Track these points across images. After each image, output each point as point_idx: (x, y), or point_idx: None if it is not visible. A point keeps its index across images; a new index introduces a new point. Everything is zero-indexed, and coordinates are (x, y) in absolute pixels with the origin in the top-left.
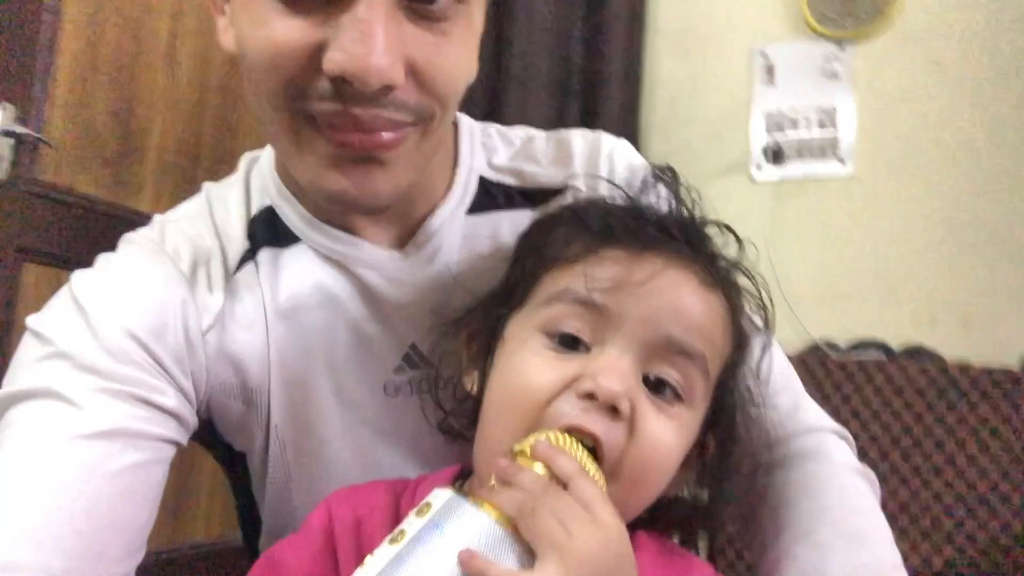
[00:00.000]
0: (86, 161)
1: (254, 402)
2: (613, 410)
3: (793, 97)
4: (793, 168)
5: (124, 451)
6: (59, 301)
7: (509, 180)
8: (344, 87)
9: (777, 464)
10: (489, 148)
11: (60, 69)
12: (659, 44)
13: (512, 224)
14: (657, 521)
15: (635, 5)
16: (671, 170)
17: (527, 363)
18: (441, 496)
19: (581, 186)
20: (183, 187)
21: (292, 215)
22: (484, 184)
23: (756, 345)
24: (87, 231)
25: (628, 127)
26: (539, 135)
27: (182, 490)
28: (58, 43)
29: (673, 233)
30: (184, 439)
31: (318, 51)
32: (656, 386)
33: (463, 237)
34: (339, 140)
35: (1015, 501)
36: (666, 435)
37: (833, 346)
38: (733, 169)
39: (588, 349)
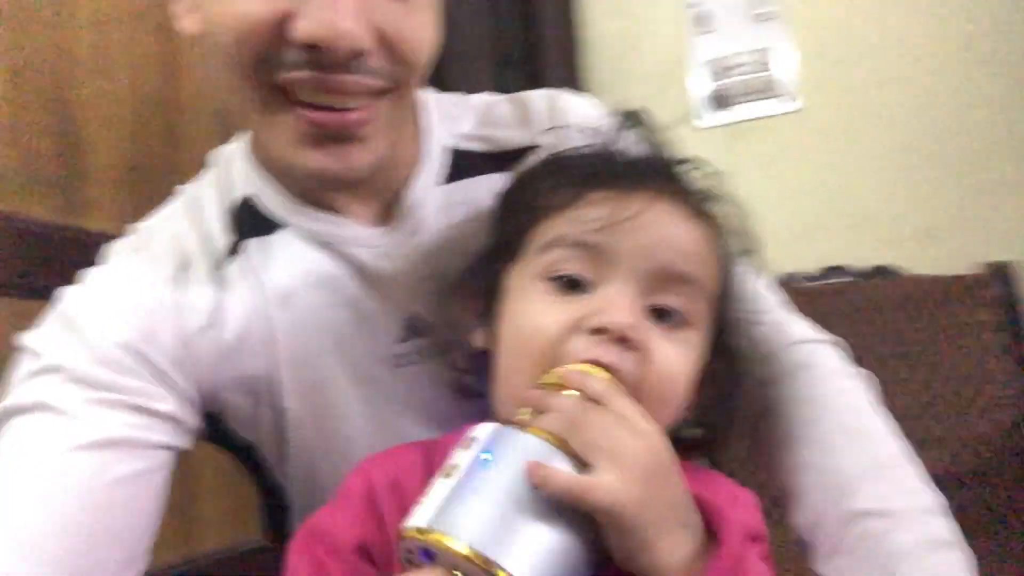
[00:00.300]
0: (31, 187)
1: (262, 391)
2: (624, 341)
3: (730, 42)
4: (740, 111)
5: (121, 460)
6: (49, 318)
7: (477, 146)
8: (315, 55)
9: (774, 378)
10: (453, 117)
11: None
12: (594, 5)
13: (487, 187)
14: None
15: None
16: (638, 114)
17: (534, 309)
18: (485, 429)
19: (549, 141)
20: (132, 201)
21: (272, 200)
22: (454, 153)
23: (741, 268)
24: (43, 257)
25: (568, 87)
26: (500, 99)
27: (188, 499)
28: None
29: (653, 171)
30: (186, 443)
31: (286, 21)
32: (660, 314)
33: (441, 208)
34: (313, 119)
35: (1004, 399)
36: (677, 358)
37: (802, 276)
38: (680, 119)
39: (590, 289)
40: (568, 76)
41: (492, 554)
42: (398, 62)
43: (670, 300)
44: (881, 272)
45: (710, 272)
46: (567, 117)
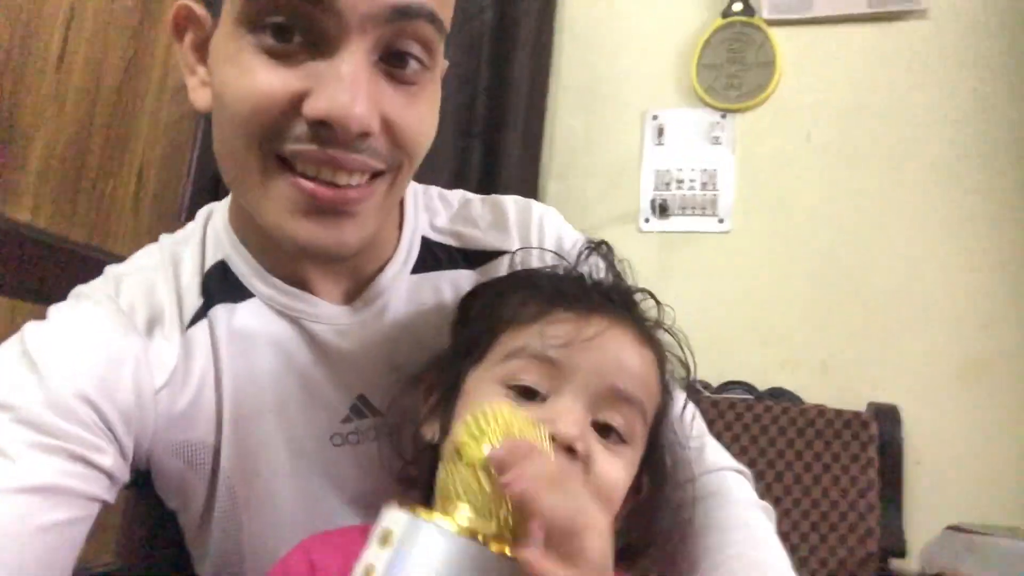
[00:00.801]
0: None
1: (197, 460)
2: (570, 450)
3: (680, 158)
4: (677, 222)
5: (54, 507)
6: (8, 352)
7: (450, 241)
8: (323, 132)
9: (687, 502)
10: (431, 210)
11: None
12: (562, 99)
13: (452, 283)
14: None
15: (540, 63)
16: (605, 244)
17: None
18: (400, 521)
19: (516, 251)
20: (66, 200)
21: (245, 269)
22: (426, 244)
23: (679, 394)
24: None
25: (528, 173)
26: (475, 198)
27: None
28: None
29: (612, 298)
30: (112, 498)
31: (299, 99)
32: (603, 430)
33: (407, 294)
34: (312, 191)
35: (860, 530)
36: (615, 471)
37: (706, 386)
38: (624, 219)
39: (544, 399)
40: (526, 159)
41: None
42: (398, 147)
43: (614, 418)
44: (776, 395)
45: (651, 395)
46: (536, 230)
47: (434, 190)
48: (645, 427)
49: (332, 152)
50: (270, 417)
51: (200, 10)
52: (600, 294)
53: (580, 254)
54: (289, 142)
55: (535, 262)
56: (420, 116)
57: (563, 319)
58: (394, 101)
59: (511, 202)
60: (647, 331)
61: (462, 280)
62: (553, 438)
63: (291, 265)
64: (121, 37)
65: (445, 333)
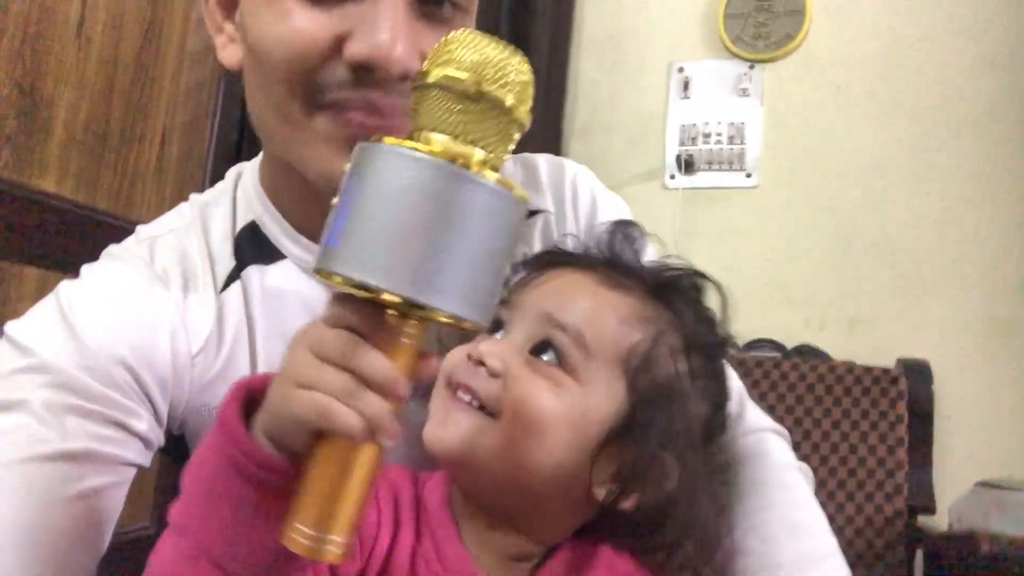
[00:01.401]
0: None
1: None
2: (483, 364)
3: (706, 111)
4: (703, 178)
5: (90, 473)
6: (44, 312)
7: None
8: (363, 75)
9: (725, 465)
10: None
11: None
12: (584, 53)
13: None
14: (616, 531)
15: (562, 13)
16: (634, 226)
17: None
18: (360, 151)
19: (552, 210)
20: (90, 166)
21: (276, 230)
22: None
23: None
24: None
25: (551, 130)
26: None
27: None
28: None
29: (596, 259)
30: (148, 462)
31: (338, 41)
32: (539, 350)
33: None
34: (358, 122)
35: (888, 487)
36: (539, 389)
37: (732, 344)
38: (648, 176)
39: (495, 330)
40: (549, 116)
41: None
42: None
43: (544, 339)
44: (803, 352)
45: (604, 333)
46: (570, 189)
47: None
48: (593, 360)
49: (372, 95)
50: None
51: None
52: (583, 254)
53: (609, 236)
54: (329, 90)
55: (570, 225)
56: None
57: (533, 273)
58: (431, 41)
59: (542, 160)
60: (625, 281)
61: None
62: (479, 361)
63: (320, 225)
64: (139, 3)
65: None
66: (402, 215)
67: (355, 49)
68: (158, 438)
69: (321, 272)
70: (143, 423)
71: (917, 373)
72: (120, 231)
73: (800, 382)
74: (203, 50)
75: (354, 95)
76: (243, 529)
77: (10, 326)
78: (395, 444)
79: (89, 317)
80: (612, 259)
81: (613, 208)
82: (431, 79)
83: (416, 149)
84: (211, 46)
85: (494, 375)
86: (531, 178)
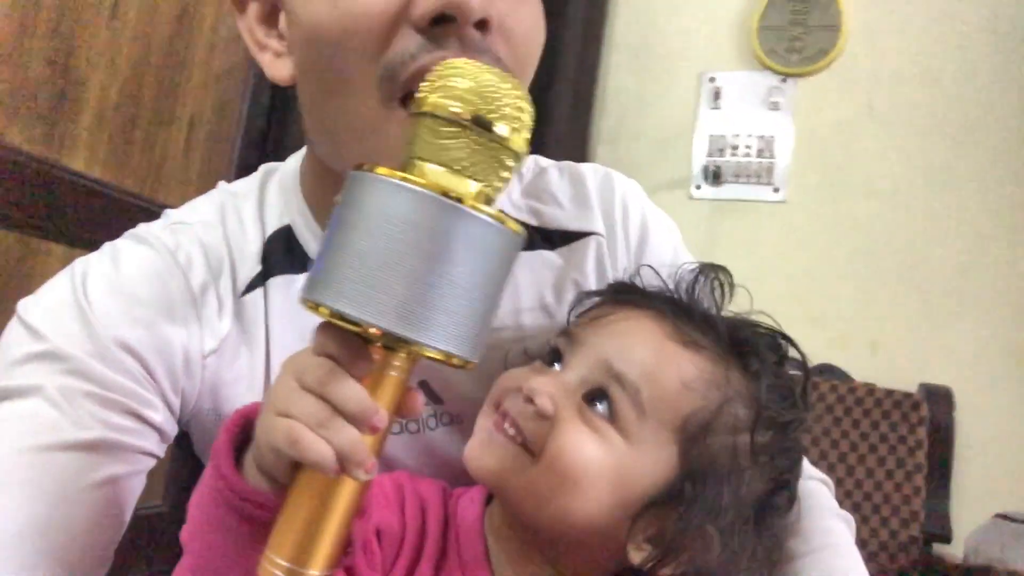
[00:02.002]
0: (18, 112)
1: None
2: (534, 402)
3: (736, 123)
4: (729, 190)
5: (107, 462)
6: (58, 294)
7: (528, 219)
8: (438, 31)
9: (778, 542)
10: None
11: None
12: (615, 59)
13: (529, 267)
14: None
15: (593, 18)
16: (722, 271)
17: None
18: (351, 180)
19: (603, 232)
20: (119, 149)
21: (310, 239)
22: None
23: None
24: (18, 187)
25: (578, 134)
26: (550, 167)
27: None
28: None
29: (667, 300)
30: (163, 453)
31: (403, 8)
32: (592, 398)
33: None
34: None
35: (904, 513)
36: (584, 440)
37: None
38: (674, 185)
39: (554, 364)
40: (576, 120)
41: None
42: (513, 49)
43: (602, 390)
44: (824, 371)
45: (664, 392)
46: (620, 208)
47: None
48: (647, 421)
49: (446, 52)
50: None
51: None
52: (654, 297)
53: (691, 279)
54: (405, 65)
55: (620, 248)
56: (532, 15)
57: (602, 305)
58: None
59: (590, 173)
60: (698, 337)
61: (542, 264)
62: (530, 400)
63: None
64: None
65: (513, 322)
66: (391, 247)
67: (426, 3)
68: (172, 429)
69: (307, 302)
70: (158, 414)
71: (939, 399)
72: (147, 212)
73: (819, 402)
74: (234, 36)
75: (429, 60)
76: (239, 557)
77: (23, 305)
78: (373, 476)
79: (104, 304)
80: (689, 306)
81: (663, 231)
82: (425, 107)
83: (407, 180)
84: (274, 81)
85: (542, 416)
86: (579, 192)
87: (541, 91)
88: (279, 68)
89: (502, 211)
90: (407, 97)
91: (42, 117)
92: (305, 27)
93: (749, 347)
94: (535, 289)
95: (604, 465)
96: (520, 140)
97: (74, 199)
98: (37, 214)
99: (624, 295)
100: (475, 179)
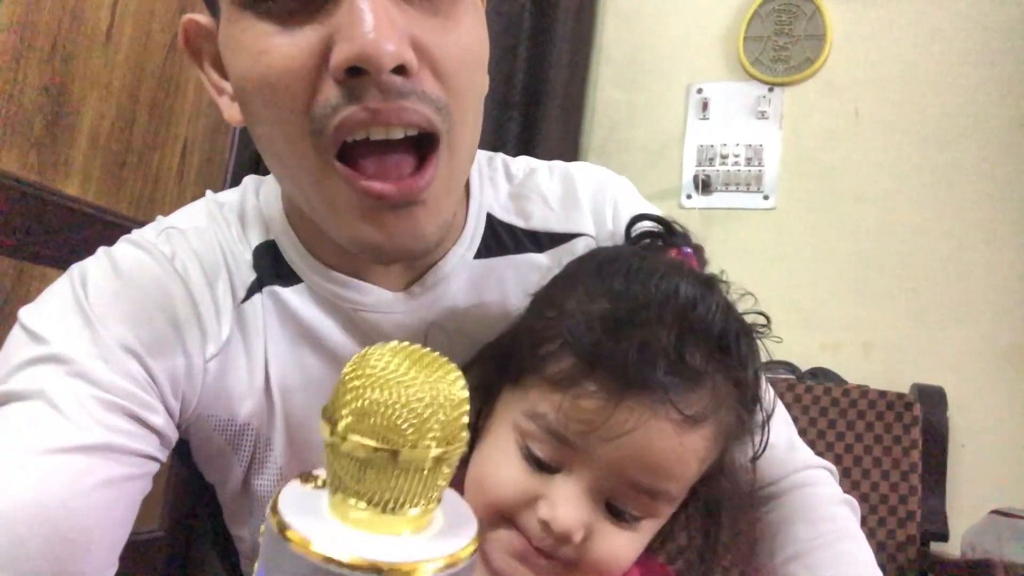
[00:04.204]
0: (12, 139)
1: (243, 444)
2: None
3: (724, 132)
4: (720, 198)
5: (109, 465)
6: (59, 299)
7: (516, 221)
8: (357, 84)
9: (773, 496)
10: (496, 182)
11: None
12: (603, 73)
13: (517, 271)
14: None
15: (582, 34)
16: (707, 277)
17: (500, 462)
18: (267, 531)
19: (592, 233)
20: (113, 174)
21: (293, 254)
22: (491, 224)
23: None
24: (14, 213)
25: (568, 146)
26: (540, 168)
27: None
28: None
29: (659, 376)
30: (164, 457)
31: (323, 57)
32: (618, 511)
33: (468, 282)
34: (376, 194)
35: (901, 513)
36: (619, 544)
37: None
38: (665, 195)
39: (556, 471)
40: (566, 132)
41: None
42: (443, 85)
43: (629, 507)
44: (817, 375)
45: (687, 478)
46: (611, 210)
47: (499, 158)
48: (675, 503)
49: (375, 105)
50: (318, 411)
51: (206, 20)
52: (644, 359)
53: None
54: (329, 119)
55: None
56: (461, 43)
57: (591, 399)
58: (428, 27)
59: (580, 173)
60: (703, 406)
61: (528, 267)
62: (547, 523)
63: (342, 253)
64: (166, 13)
65: (501, 328)
66: None
67: (339, 54)
68: (173, 434)
69: None
70: (159, 418)
71: (932, 399)
72: None
73: (813, 405)
74: None
75: (353, 111)
76: None
77: (24, 313)
78: None
79: (106, 307)
80: (677, 367)
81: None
82: (340, 444)
83: (326, 559)
84: (231, 124)
85: (574, 542)
86: (569, 193)
87: (531, 106)
88: (234, 112)
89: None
90: (342, 152)
91: (36, 143)
92: (234, 81)
93: (734, 363)
94: (522, 292)
95: (640, 546)
96: (456, 449)
97: (69, 224)
98: (32, 240)
99: (614, 382)
100: (412, 505)
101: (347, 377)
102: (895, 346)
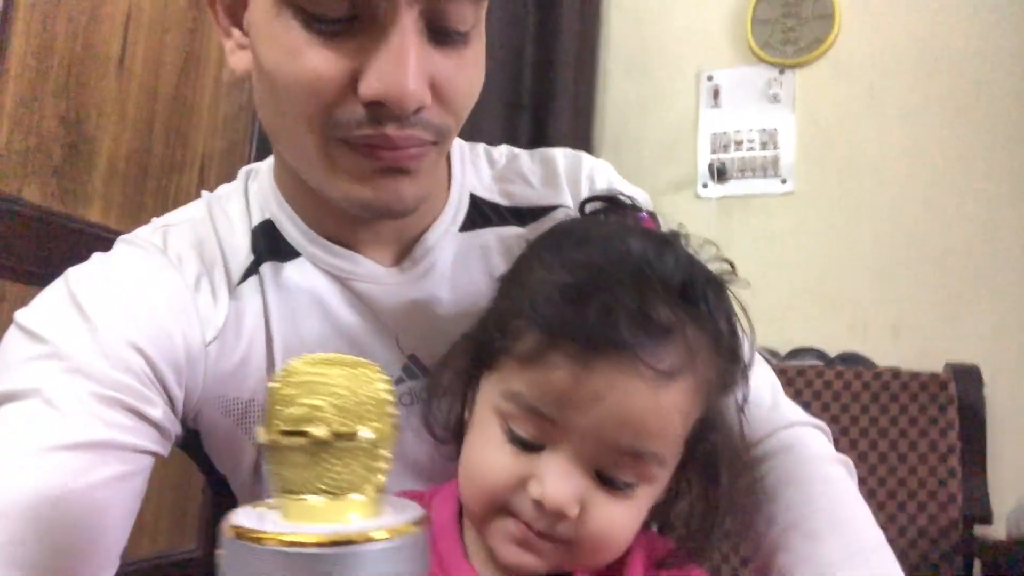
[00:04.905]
0: (33, 170)
1: (248, 420)
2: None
3: (737, 119)
4: (736, 186)
5: (107, 462)
6: (54, 299)
7: (499, 200)
8: (378, 110)
9: (760, 459)
10: (478, 167)
11: (8, 75)
12: (612, 68)
13: (501, 240)
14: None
15: (588, 31)
16: (652, 215)
17: (486, 450)
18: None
19: (570, 205)
20: (133, 197)
21: (292, 229)
22: (475, 202)
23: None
24: (40, 242)
25: (580, 144)
26: (522, 153)
27: None
28: (7, 48)
29: (624, 336)
30: (166, 451)
31: (353, 80)
32: (607, 479)
33: (455, 254)
34: (375, 156)
35: (942, 497)
36: (617, 517)
37: (773, 353)
38: (681, 185)
39: (541, 448)
40: (578, 131)
41: None
42: (447, 112)
43: (620, 471)
44: (847, 359)
45: (673, 435)
46: (586, 183)
47: (480, 147)
48: (667, 464)
49: (387, 131)
50: None
51: None
52: (610, 320)
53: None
54: (351, 128)
55: None
56: (470, 79)
57: (560, 370)
58: (444, 66)
59: (560, 154)
60: (668, 366)
61: (513, 239)
62: (540, 502)
63: (338, 227)
64: (177, 36)
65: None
66: None
67: (369, 89)
68: (174, 427)
69: None
70: (157, 410)
71: (967, 377)
72: None
73: (845, 390)
74: (238, 80)
75: (370, 132)
76: None
77: (20, 315)
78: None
79: (101, 302)
80: (644, 326)
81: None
82: (273, 436)
83: (284, 542)
84: (233, 70)
85: (564, 517)
86: (549, 172)
87: (540, 106)
88: (239, 59)
89: (394, 524)
90: (343, 143)
91: (57, 172)
92: (262, 65)
93: (706, 306)
94: (507, 263)
95: (641, 512)
96: (387, 431)
97: (92, 249)
98: (57, 267)
99: (574, 335)
100: (357, 491)
101: (276, 388)
102: (925, 325)
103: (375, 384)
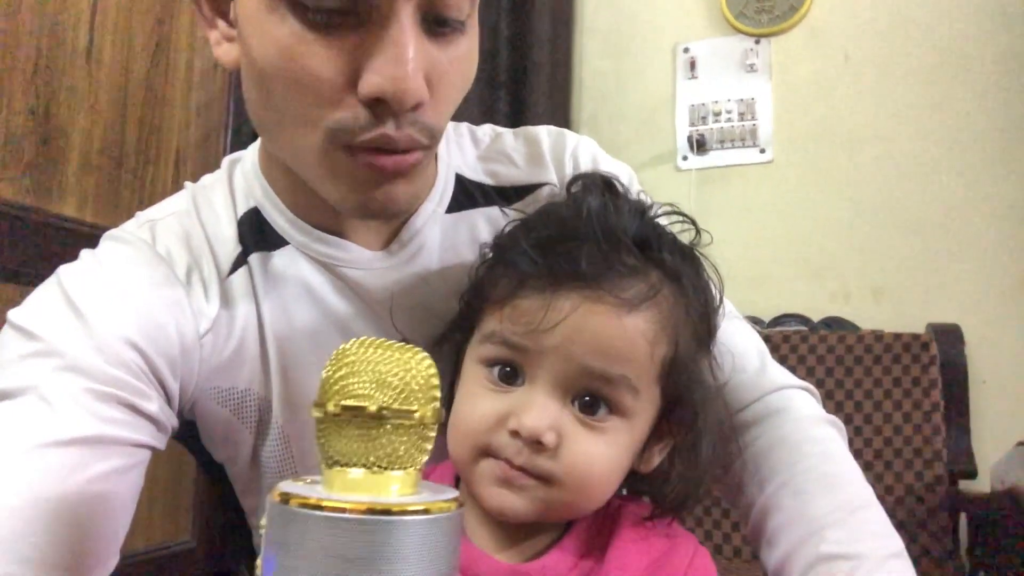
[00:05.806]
0: (4, 165)
1: (245, 409)
2: (540, 442)
3: (714, 90)
4: (716, 156)
5: (103, 457)
6: (47, 297)
7: (485, 179)
8: (377, 108)
9: (750, 423)
10: (463, 147)
11: None
12: (588, 44)
13: (488, 220)
14: (651, 493)
15: (562, 6)
16: (610, 183)
17: (470, 398)
18: (272, 512)
19: (555, 182)
20: (108, 191)
21: (278, 218)
22: (460, 183)
23: (727, 320)
24: (16, 239)
25: (558, 121)
26: (506, 132)
27: None
28: None
29: (587, 270)
30: (162, 444)
31: (351, 78)
32: (588, 404)
33: (442, 235)
34: (378, 166)
35: (927, 454)
36: (594, 450)
37: (757, 321)
38: (660, 159)
39: (522, 381)
40: (555, 107)
41: None
42: (440, 113)
43: (595, 395)
44: (830, 324)
45: (641, 363)
46: (570, 161)
47: (464, 126)
48: (640, 395)
49: (385, 130)
50: (314, 369)
51: None
52: (573, 261)
53: (576, 195)
54: (346, 134)
55: None
56: (463, 73)
57: (528, 300)
58: (439, 60)
59: (544, 132)
60: (631, 296)
61: (497, 216)
62: (517, 432)
63: (325, 214)
64: (145, 25)
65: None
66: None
67: (368, 86)
68: (170, 420)
69: None
70: (153, 404)
71: (948, 337)
72: None
73: (828, 354)
74: (211, 68)
75: (371, 135)
76: None
77: (12, 313)
78: None
79: (94, 298)
80: (604, 261)
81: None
82: (330, 409)
83: (329, 508)
84: (218, 63)
85: (542, 447)
86: (533, 151)
87: (517, 84)
88: (225, 51)
89: (431, 501)
90: (341, 147)
91: (29, 167)
92: (254, 62)
93: (670, 256)
94: None
95: (620, 453)
96: (431, 412)
97: (68, 244)
98: (32, 262)
99: (548, 275)
100: (400, 468)
101: (330, 371)
102: (905, 288)
103: (424, 367)
